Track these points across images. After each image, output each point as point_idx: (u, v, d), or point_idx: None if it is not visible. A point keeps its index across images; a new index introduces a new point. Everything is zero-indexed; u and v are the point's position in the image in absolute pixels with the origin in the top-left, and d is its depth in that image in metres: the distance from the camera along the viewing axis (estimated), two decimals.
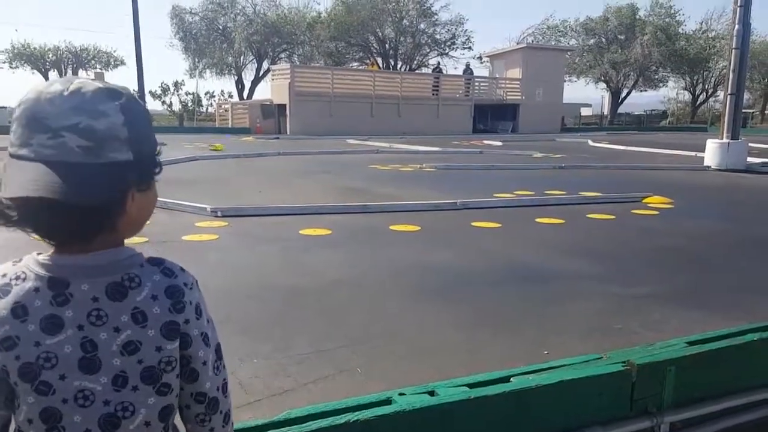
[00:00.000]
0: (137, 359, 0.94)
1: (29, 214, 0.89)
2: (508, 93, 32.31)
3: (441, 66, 37.05)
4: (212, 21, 39.21)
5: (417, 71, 40.22)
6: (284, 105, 26.10)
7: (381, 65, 39.54)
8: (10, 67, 37.28)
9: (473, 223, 6.82)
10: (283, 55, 39.52)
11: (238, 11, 39.20)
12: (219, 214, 6.75)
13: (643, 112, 49.55)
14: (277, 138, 22.37)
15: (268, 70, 35.45)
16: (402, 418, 1.89)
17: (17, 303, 0.92)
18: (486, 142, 22.46)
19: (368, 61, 40.52)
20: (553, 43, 42.93)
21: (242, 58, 39.65)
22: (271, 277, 4.61)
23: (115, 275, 0.95)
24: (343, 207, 7.41)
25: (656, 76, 46.10)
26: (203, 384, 1.02)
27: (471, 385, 2.10)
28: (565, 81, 35.99)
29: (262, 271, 4.78)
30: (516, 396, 2.05)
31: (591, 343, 3.36)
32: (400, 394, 2.02)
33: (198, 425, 1.05)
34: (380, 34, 40.31)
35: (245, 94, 39.65)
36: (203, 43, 38.68)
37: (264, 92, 34.30)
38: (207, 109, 37.61)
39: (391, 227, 6.48)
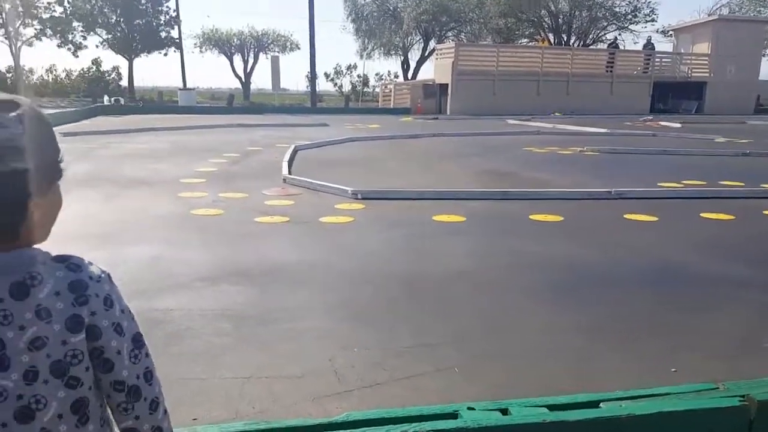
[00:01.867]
0: (45, 354, 0.96)
1: None
2: (694, 69, 29.43)
3: (618, 41, 34.59)
4: (383, 2, 39.97)
5: (591, 47, 38.00)
6: (446, 85, 25.99)
7: (552, 41, 37.83)
8: (200, 52, 41.16)
9: (626, 216, 6.29)
10: (450, 34, 39.32)
11: None
12: (359, 196, 6.86)
13: None
14: (436, 118, 22.34)
15: (433, 50, 35.48)
16: None
17: None
18: (663, 123, 20.68)
19: (539, 37, 38.99)
20: (752, 14, 38.28)
21: (409, 38, 40.04)
22: (394, 263, 4.58)
23: (17, 275, 0.96)
24: (482, 193, 7.19)
25: None
26: (119, 373, 1.02)
27: (551, 407, 1.90)
28: (763, 56, 32.01)
29: (387, 256, 4.77)
30: (602, 425, 1.81)
31: (730, 363, 2.94)
32: (469, 408, 1.88)
33: (122, 414, 1.05)
34: (553, 8, 38.51)
35: (410, 74, 40.09)
36: (374, 24, 39.62)
37: (429, 72, 34.36)
38: (374, 89, 38.60)
39: (531, 216, 6.17)
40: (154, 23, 38.33)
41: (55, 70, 40.97)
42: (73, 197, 6.79)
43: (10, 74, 38.89)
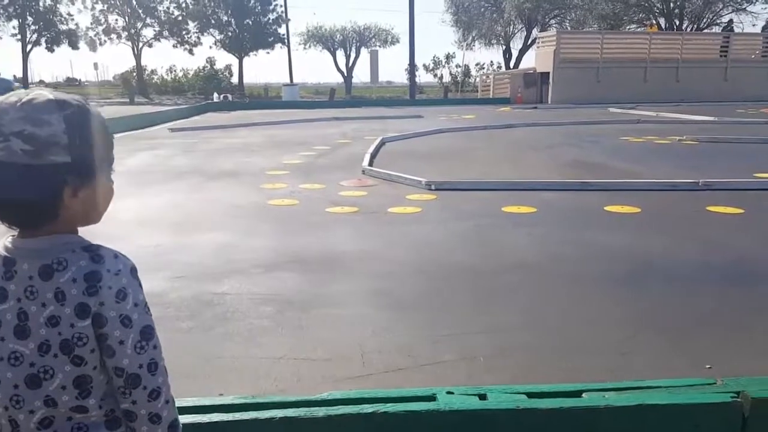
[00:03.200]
0: (57, 331, 1.09)
1: None
2: None
3: (734, 24, 32.21)
4: None
5: (705, 31, 35.62)
6: (547, 73, 25.32)
7: (663, 26, 35.79)
8: (304, 48, 42.60)
9: (709, 208, 5.95)
10: (553, 22, 38.21)
11: None
12: (432, 187, 6.91)
13: None
14: (535, 108, 21.84)
15: (536, 38, 34.62)
16: (434, 417, 1.80)
17: None
18: None
19: (648, 22, 37.00)
20: None
21: (511, 27, 39.32)
22: (451, 254, 4.61)
23: (48, 258, 1.10)
24: (558, 183, 7.02)
25: None
26: (120, 360, 1.12)
27: (531, 394, 1.90)
28: None
29: (446, 247, 4.80)
30: (578, 414, 1.80)
31: None
32: (448, 393, 1.92)
33: (120, 396, 1.16)
34: None
35: (512, 63, 39.33)
36: (474, 15, 39.19)
37: (532, 61, 33.60)
38: (475, 80, 38.24)
39: (606, 208, 5.97)
40: (263, 21, 39.96)
41: (175, 69, 43.89)
42: (165, 188, 7.32)
43: (135, 74, 42.03)
